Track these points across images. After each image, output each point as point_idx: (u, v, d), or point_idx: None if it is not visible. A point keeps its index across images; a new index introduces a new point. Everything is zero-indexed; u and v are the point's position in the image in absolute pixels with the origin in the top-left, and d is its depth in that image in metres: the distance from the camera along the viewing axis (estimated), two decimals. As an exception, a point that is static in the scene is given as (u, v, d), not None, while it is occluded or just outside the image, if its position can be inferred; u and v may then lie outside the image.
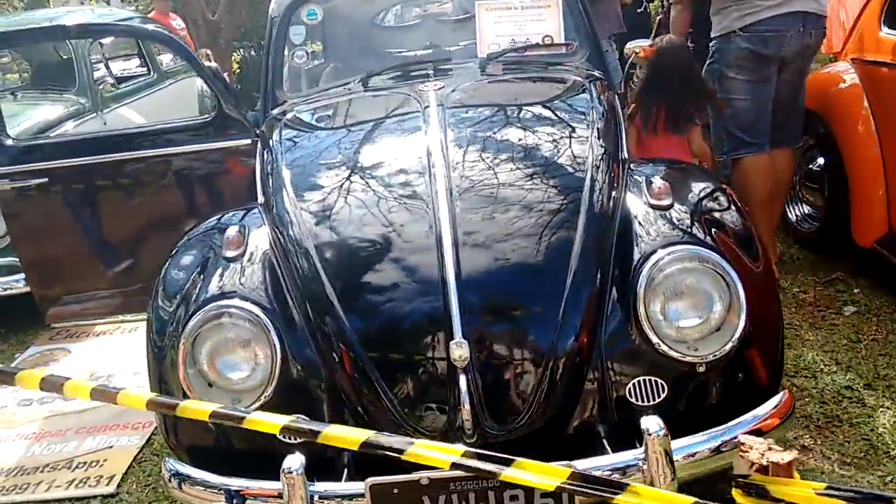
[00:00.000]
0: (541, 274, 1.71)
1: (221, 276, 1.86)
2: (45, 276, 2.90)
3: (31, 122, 4.10)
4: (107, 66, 5.01)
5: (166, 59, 5.97)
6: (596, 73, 2.54)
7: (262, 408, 1.66)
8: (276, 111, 2.69)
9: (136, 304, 2.99)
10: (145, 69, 5.53)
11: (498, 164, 1.93)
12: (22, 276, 3.50)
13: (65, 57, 5.33)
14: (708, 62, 2.97)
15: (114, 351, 3.36)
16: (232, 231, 1.92)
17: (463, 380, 1.56)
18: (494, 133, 2.07)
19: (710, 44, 2.98)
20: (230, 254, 1.89)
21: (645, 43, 2.81)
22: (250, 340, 1.71)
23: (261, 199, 2.19)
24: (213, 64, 8.20)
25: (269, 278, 1.85)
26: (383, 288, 1.75)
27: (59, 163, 2.75)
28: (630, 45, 2.81)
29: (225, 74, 8.93)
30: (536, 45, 2.66)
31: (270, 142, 2.41)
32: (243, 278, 1.85)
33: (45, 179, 2.75)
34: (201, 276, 1.88)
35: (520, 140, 2.02)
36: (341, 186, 1.98)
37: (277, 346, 1.68)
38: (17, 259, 3.49)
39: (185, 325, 1.73)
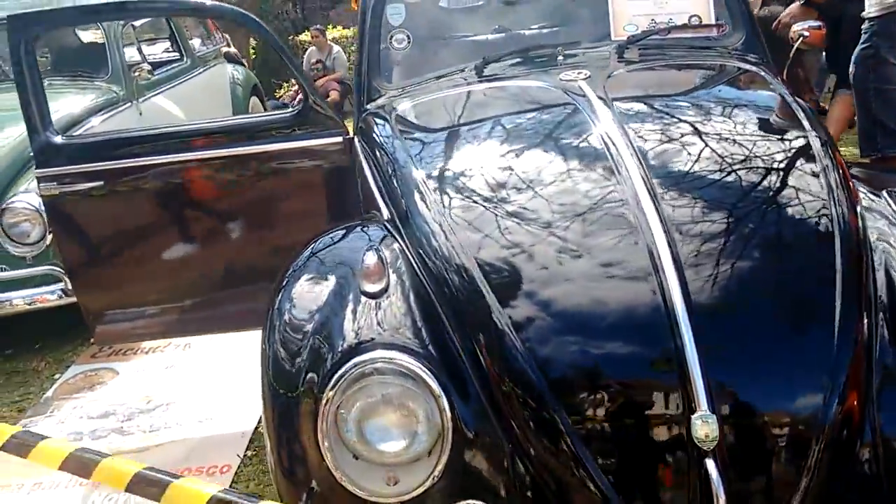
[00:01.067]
0: (799, 320, 1.32)
1: (363, 316, 1.47)
2: (93, 289, 2.50)
3: (59, 113, 3.68)
4: (140, 51, 4.58)
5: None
6: (762, 62, 2.15)
7: (432, 489, 1.30)
8: (373, 105, 2.30)
9: (195, 322, 2.61)
10: (177, 54, 5.10)
11: (705, 175, 1.54)
12: (57, 287, 3.16)
13: (87, 41, 4.91)
14: (861, 46, 2.57)
15: (167, 372, 2.98)
16: (371, 259, 1.53)
17: (712, 466, 1.19)
18: (685, 136, 1.67)
19: (864, 25, 2.58)
20: (371, 287, 1.50)
21: (814, 24, 2.41)
22: (408, 401, 1.34)
23: (384, 213, 1.80)
24: (233, 49, 7.80)
25: (422, 319, 1.46)
26: (582, 331, 1.35)
27: (117, 164, 2.34)
28: (796, 28, 2.41)
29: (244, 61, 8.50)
30: (682, 26, 2.26)
31: (380, 141, 2.02)
32: (392, 320, 1.46)
33: (100, 182, 2.34)
34: (335, 316, 1.49)
35: (724, 146, 1.63)
36: (506, 197, 1.59)
37: (447, 409, 1.31)
38: (54, 268, 3.15)
39: (323, 383, 1.35)
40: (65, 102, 3.82)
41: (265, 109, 6.79)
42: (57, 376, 3.05)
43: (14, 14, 2.33)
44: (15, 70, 2.31)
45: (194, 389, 2.81)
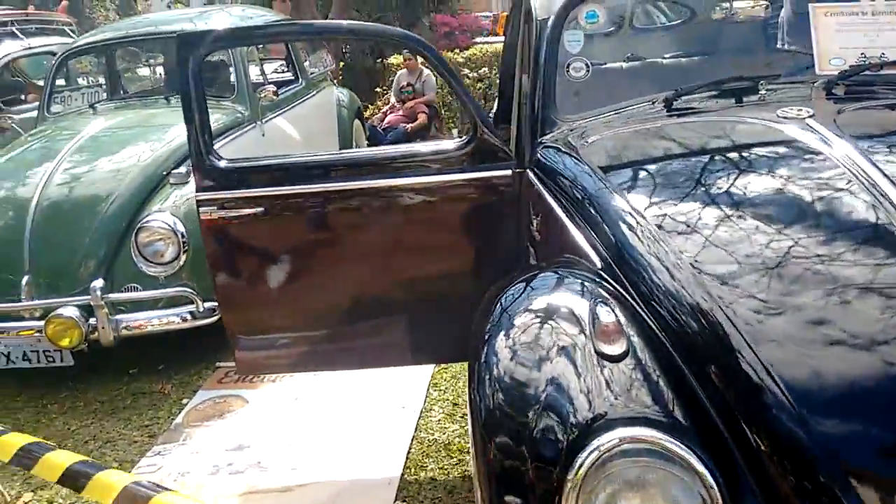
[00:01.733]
0: None
1: (599, 383, 1.30)
2: (240, 315, 2.42)
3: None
4: (263, 72, 4.60)
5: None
6: None
7: None
8: (549, 138, 2.15)
9: (342, 357, 2.51)
10: (291, 75, 5.11)
11: None
12: (188, 309, 3.11)
13: (211, 59, 4.97)
14: None
15: (297, 405, 2.87)
16: (607, 315, 1.36)
17: None
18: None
19: None
20: (610, 349, 1.33)
21: None
22: (669, 485, 1.17)
23: (593, 259, 1.63)
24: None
25: (668, 386, 1.29)
26: (876, 403, 1.16)
27: (279, 190, 2.26)
28: None
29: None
30: (897, 62, 2.05)
31: (576, 177, 1.86)
32: (634, 387, 1.28)
33: (260, 209, 2.26)
34: (564, 380, 1.33)
35: None
36: (755, 242, 1.40)
37: (717, 494, 1.13)
38: (186, 289, 3.10)
39: (565, 465, 1.19)
40: (178, 121, 3.82)
41: (366, 133, 6.79)
42: (185, 401, 2.99)
43: (183, 33, 2.30)
44: (182, 91, 2.27)
45: (329, 426, 2.69)
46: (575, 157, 1.93)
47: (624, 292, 1.49)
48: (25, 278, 3.05)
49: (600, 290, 1.50)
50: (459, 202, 2.26)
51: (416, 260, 2.35)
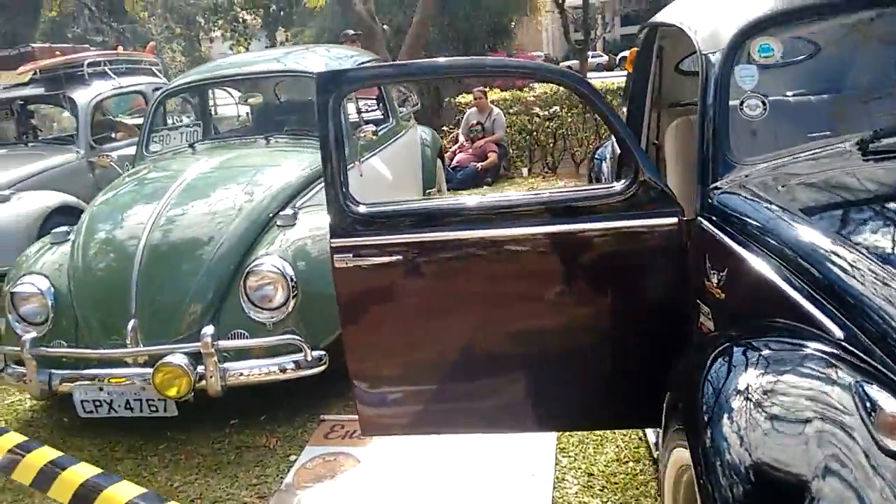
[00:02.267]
0: None
1: (881, 483, 1.07)
2: (368, 369, 2.24)
3: (289, 176, 3.58)
4: (359, 112, 4.52)
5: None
6: None
7: None
8: (726, 182, 1.93)
9: (472, 419, 2.31)
10: (380, 114, 5.03)
11: None
12: (295, 357, 2.95)
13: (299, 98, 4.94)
14: None
15: (414, 467, 2.65)
16: (889, 403, 1.13)
17: None
18: None
19: None
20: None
21: None
22: None
23: (831, 329, 1.39)
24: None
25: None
26: None
27: (419, 237, 2.09)
28: None
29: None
30: None
31: (778, 229, 1.64)
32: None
33: (399, 257, 2.10)
34: (838, 481, 1.10)
35: None
36: None
37: None
38: (296, 337, 2.95)
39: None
40: (289, 165, 3.73)
41: (445, 172, 6.67)
42: (293, 457, 2.80)
43: (323, 72, 2.17)
44: (321, 132, 2.13)
45: (452, 493, 2.47)
46: (776, 206, 1.71)
47: (887, 371, 1.25)
48: (131, 323, 2.95)
49: (858, 367, 1.26)
50: (613, 250, 2.05)
51: (558, 314, 2.14)
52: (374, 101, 5.10)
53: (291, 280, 3.00)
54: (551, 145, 9.46)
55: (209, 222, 3.21)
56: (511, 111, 9.56)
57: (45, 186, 5.11)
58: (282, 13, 30.21)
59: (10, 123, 6.17)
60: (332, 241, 2.14)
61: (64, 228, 3.47)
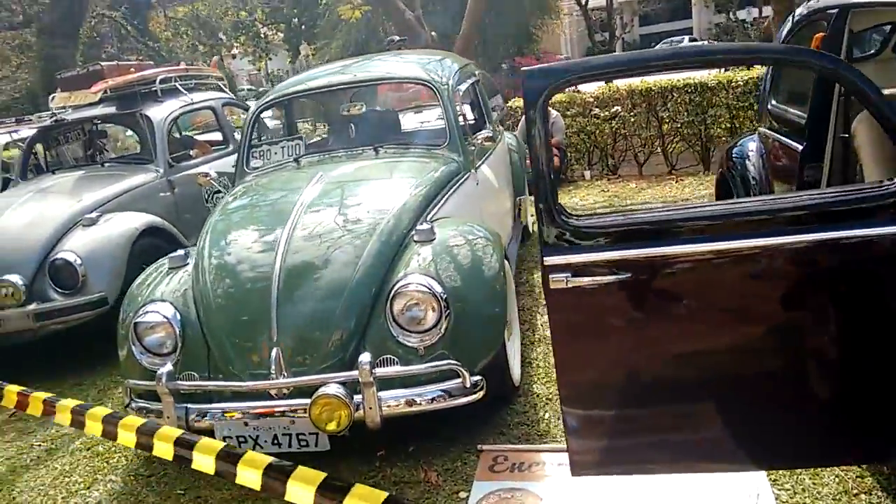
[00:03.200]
0: None
1: None
2: (584, 402, 2.01)
3: (413, 189, 3.34)
4: (465, 117, 4.29)
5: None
6: None
7: None
8: None
9: (704, 460, 2.05)
10: (476, 118, 4.80)
11: None
12: (451, 385, 2.72)
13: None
14: None
15: None
16: None
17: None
18: None
19: None
20: None
21: None
22: None
23: None
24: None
25: None
26: None
27: (652, 252, 1.85)
28: None
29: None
30: None
31: None
32: None
33: (627, 276, 1.85)
34: None
35: None
36: None
37: None
38: (453, 363, 2.72)
39: None
40: (410, 177, 3.49)
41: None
42: (462, 494, 2.57)
43: (532, 69, 1.95)
44: (529, 137, 1.91)
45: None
46: None
47: None
48: (274, 351, 2.74)
49: None
50: (881, 260, 1.79)
51: (819, 338, 1.89)
52: (469, 106, 4.88)
53: (442, 299, 2.77)
54: (611, 147, 9.20)
55: (344, 241, 2.99)
56: (568, 113, 9.31)
57: (127, 208, 4.95)
58: (303, 27, 30.31)
59: (79, 144, 6.04)
60: (547, 258, 1.90)
61: (181, 252, 3.28)
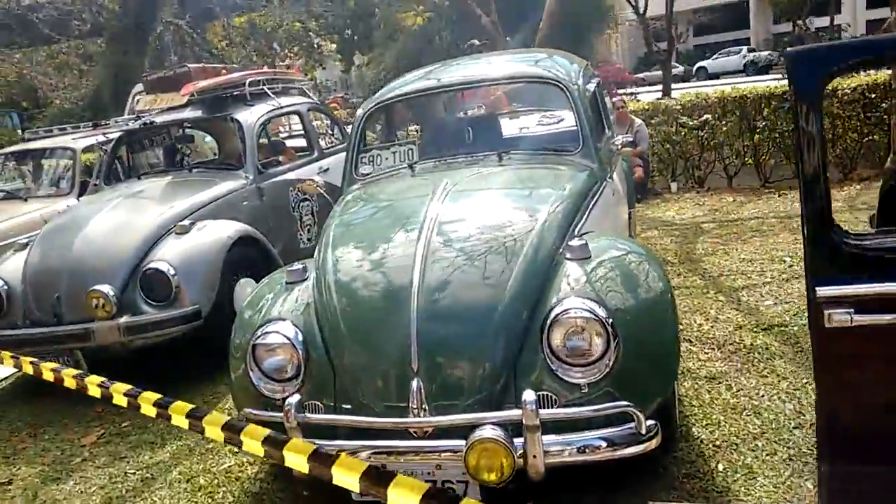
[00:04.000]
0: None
1: None
2: (856, 468, 1.59)
3: (554, 202, 2.97)
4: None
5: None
6: None
7: None
8: None
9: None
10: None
11: None
12: (624, 430, 2.32)
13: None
14: None
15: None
16: None
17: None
18: None
19: None
20: None
21: None
22: None
23: None
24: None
25: None
26: None
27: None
28: None
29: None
30: None
31: None
32: None
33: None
34: None
35: None
36: None
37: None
38: (629, 405, 2.32)
39: None
40: (547, 187, 3.12)
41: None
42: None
43: (798, 49, 1.55)
44: (799, 133, 1.51)
45: None
46: None
47: None
48: (415, 383, 2.38)
49: None
50: None
51: None
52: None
53: (609, 326, 2.38)
54: (697, 157, 8.69)
55: (488, 259, 2.63)
56: (652, 121, 8.84)
57: (218, 216, 4.70)
58: (355, 38, 30.44)
59: (163, 149, 5.86)
60: (821, 289, 1.50)
61: (299, 265, 2.97)
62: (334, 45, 31.50)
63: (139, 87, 11.97)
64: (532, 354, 2.44)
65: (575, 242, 2.68)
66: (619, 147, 3.51)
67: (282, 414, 2.44)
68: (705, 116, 8.61)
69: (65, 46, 20.81)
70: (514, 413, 2.25)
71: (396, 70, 19.40)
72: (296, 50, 29.88)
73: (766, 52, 34.80)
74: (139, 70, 13.51)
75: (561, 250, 2.70)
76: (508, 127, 4.20)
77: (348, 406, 2.54)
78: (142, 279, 4.10)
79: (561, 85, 3.57)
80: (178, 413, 2.50)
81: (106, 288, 4.00)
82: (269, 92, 5.65)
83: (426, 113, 4.81)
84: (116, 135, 5.98)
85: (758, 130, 8.20)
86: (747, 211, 6.88)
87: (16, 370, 4.78)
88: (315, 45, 30.88)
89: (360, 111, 3.94)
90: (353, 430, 2.48)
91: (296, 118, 6.12)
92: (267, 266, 4.81)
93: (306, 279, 2.92)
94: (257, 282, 4.67)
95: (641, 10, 14.65)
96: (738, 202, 7.42)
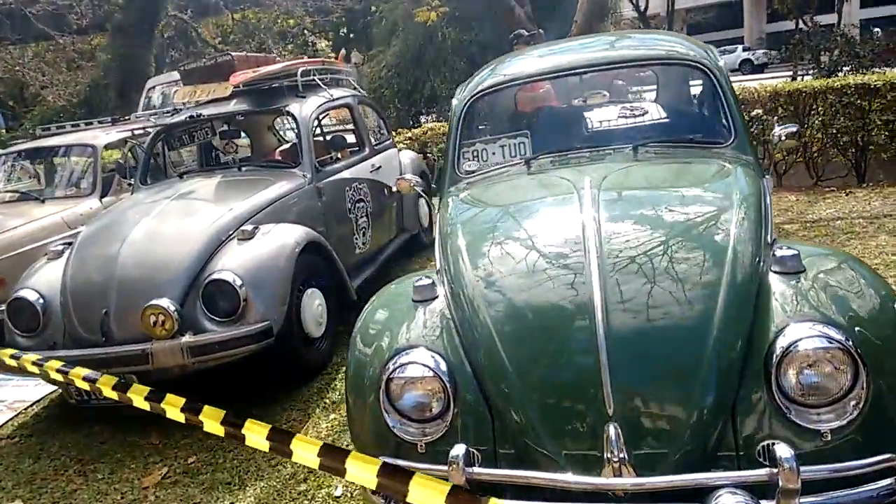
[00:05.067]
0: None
1: None
2: None
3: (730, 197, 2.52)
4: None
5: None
6: None
7: None
8: None
9: None
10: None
11: None
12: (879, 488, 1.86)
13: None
14: None
15: None
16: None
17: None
18: None
19: None
20: None
21: None
22: None
23: None
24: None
25: None
26: None
27: None
28: None
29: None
30: None
31: None
32: None
33: None
34: None
35: None
36: None
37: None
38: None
39: None
40: (716, 185, 2.66)
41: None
42: None
43: None
44: None
45: None
46: None
47: None
48: (611, 429, 1.90)
49: None
50: None
51: None
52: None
53: (857, 356, 1.92)
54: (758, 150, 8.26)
55: (681, 275, 2.14)
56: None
57: (279, 219, 4.20)
58: (351, 35, 29.91)
59: (205, 145, 5.34)
60: None
61: (428, 280, 2.48)
62: (328, 43, 30.99)
63: (153, 80, 11.43)
64: (754, 393, 1.97)
65: (782, 252, 2.22)
66: (782, 138, 3.05)
67: (446, 467, 1.97)
68: (756, 111, 8.19)
69: (60, 42, 20.14)
70: (758, 472, 1.79)
71: (398, 68, 18.80)
72: (289, 48, 29.36)
73: (762, 51, 34.78)
74: (146, 63, 12.94)
75: (763, 263, 2.24)
76: (641, 114, 3.68)
77: (510, 451, 2.08)
78: (204, 292, 3.60)
79: (703, 67, 3.10)
80: (256, 433, 2.08)
81: (166, 302, 3.49)
82: (320, 83, 5.16)
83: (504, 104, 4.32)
84: (144, 131, 5.45)
85: (811, 126, 7.79)
86: (823, 211, 6.45)
87: (49, 392, 4.27)
88: (309, 44, 30.35)
89: (456, 101, 3.46)
90: (525, 487, 2.01)
91: (345, 111, 5.62)
92: (331, 276, 4.32)
93: (435, 297, 2.44)
94: (324, 294, 4.22)
95: (642, 9, 14.29)
96: (805, 202, 6.99)
